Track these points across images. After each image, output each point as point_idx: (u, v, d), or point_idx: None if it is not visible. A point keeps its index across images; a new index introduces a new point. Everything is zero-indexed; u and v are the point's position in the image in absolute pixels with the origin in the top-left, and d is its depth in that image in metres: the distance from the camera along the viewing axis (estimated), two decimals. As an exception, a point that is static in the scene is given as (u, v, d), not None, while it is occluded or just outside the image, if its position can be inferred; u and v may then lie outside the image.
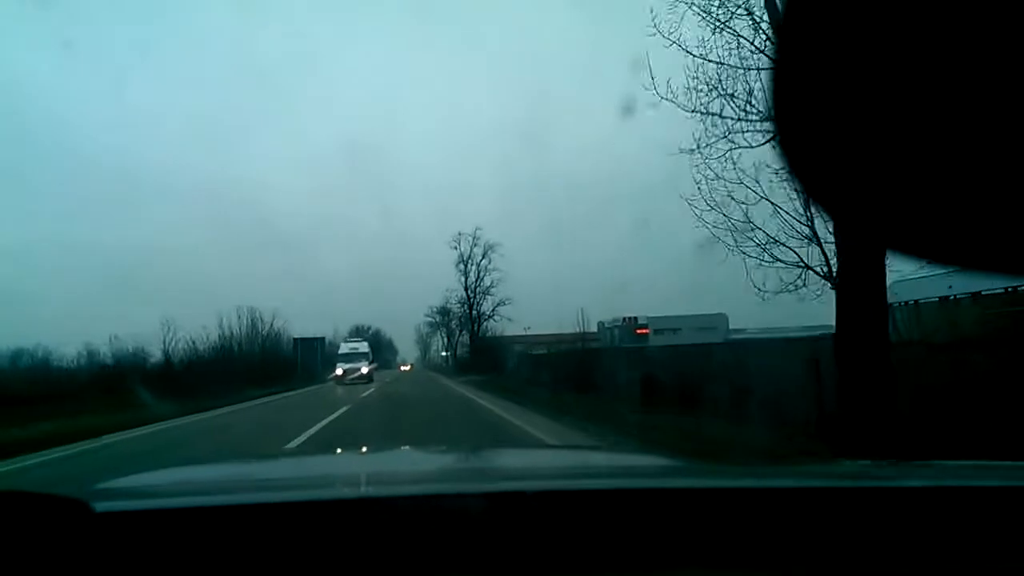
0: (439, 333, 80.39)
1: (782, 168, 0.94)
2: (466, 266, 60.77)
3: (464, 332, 67.96)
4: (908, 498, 1.13)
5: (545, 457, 2.68)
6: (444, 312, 73.13)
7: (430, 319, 76.31)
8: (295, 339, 48.97)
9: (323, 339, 51.00)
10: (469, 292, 61.31)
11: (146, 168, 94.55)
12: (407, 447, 3.77)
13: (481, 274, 60.45)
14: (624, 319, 73.64)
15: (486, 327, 60.73)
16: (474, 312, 61.63)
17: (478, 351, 56.48)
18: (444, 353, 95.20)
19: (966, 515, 1.04)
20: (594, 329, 53.94)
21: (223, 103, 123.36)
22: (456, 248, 60.44)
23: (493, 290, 59.82)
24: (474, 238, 59.62)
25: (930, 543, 1.01)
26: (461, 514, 1.03)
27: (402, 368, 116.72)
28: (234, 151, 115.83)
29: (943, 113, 0.54)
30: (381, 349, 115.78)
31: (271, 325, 58.00)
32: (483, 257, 59.79)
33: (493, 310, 59.64)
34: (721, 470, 1.96)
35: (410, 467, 2.20)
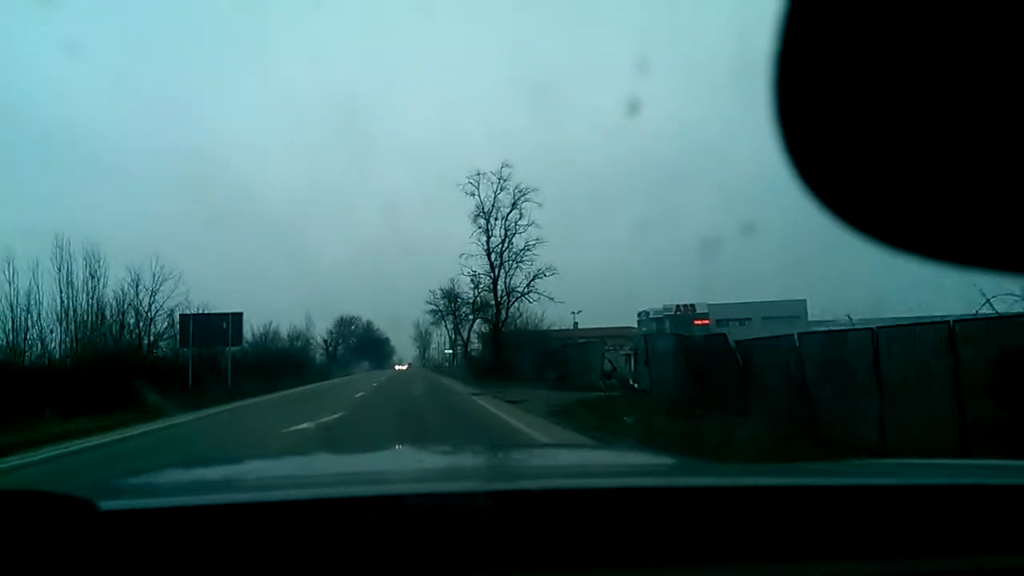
0: (443, 325, 64.17)
1: (788, 170, 0.59)
2: (487, 220, 42.89)
3: (483, 320, 51.91)
4: (911, 496, 1.16)
5: (549, 456, 2.70)
6: (451, 297, 57.21)
7: (433, 307, 60.21)
8: (182, 315, 28.05)
9: (239, 315, 29.45)
10: (492, 258, 43.54)
11: (104, 144, 79.31)
12: (414, 446, 4.03)
13: (510, 232, 42.85)
14: (677, 307, 59.18)
15: (516, 311, 43.63)
16: (500, 287, 43.96)
17: (509, 346, 39.07)
18: (449, 351, 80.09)
19: (970, 512, 1.07)
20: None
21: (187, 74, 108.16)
22: (473, 194, 42.68)
23: (529, 255, 42.42)
24: (500, 179, 41.81)
25: (932, 540, 1.03)
26: (466, 513, 1.05)
27: (398, 367, 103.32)
28: (208, 123, 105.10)
29: (955, 112, 0.55)
30: (373, 346, 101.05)
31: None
32: (512, 207, 42.14)
33: (528, 285, 42.35)
34: (724, 468, 2.02)
35: (416, 466, 2.22)
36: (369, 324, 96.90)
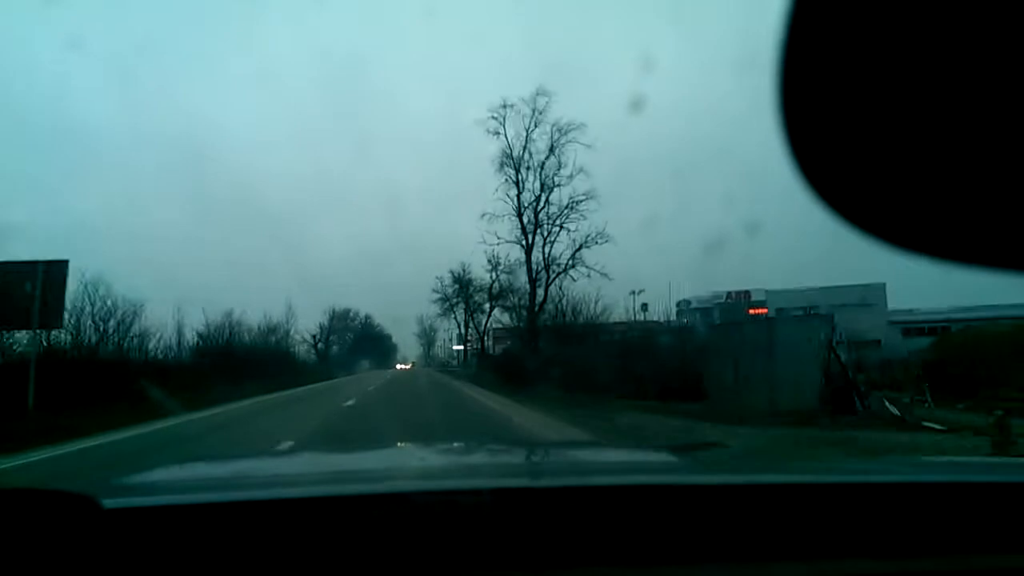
0: (452, 316, 54.96)
1: (791, 167, 0.60)
2: (516, 169, 31.48)
3: (503, 308, 42.28)
4: (914, 494, 1.16)
5: (553, 454, 2.61)
6: (462, 282, 47.81)
7: (440, 295, 50.98)
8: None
9: (59, 267, 14.26)
10: (524, 219, 31.85)
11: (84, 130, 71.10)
12: (417, 443, 4.00)
13: (547, 184, 31.26)
14: (729, 295, 50.16)
15: (559, 296, 31.04)
16: (534, 261, 32.03)
17: (553, 340, 28.36)
18: (457, 347, 71.07)
19: (972, 510, 1.06)
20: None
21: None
22: (498, 133, 31.25)
23: (575, 216, 30.76)
24: (534, 111, 30.39)
25: (935, 538, 1.03)
26: (471, 510, 1.04)
27: (399, 367, 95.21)
28: (189, 102, 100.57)
29: (960, 111, 0.55)
30: (373, 343, 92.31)
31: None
32: (551, 151, 30.62)
33: (574, 255, 30.63)
34: (723, 467, 1.98)
35: (421, 463, 2.21)
36: (368, 319, 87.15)
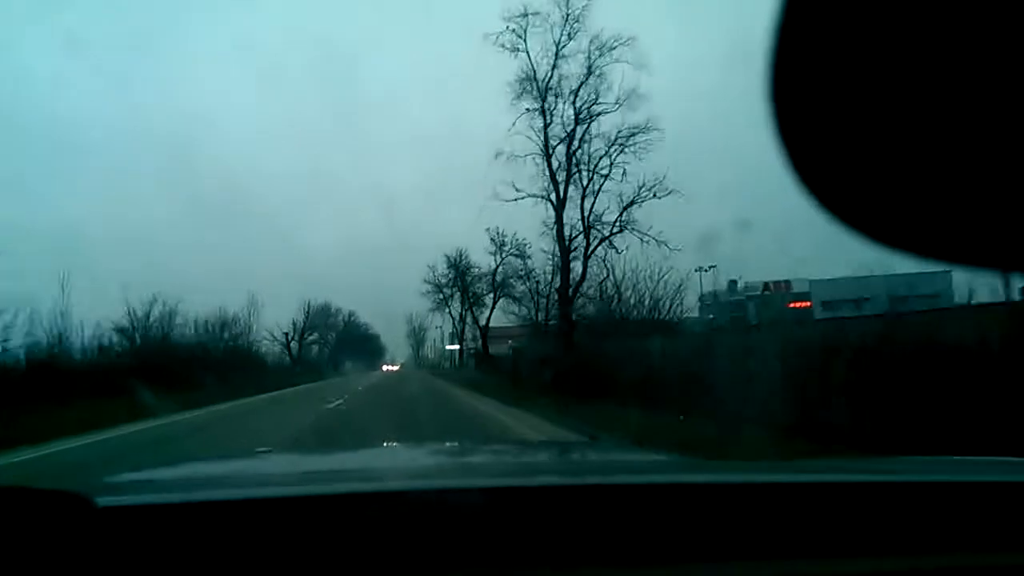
0: (447, 310, 47.67)
1: (783, 163, 0.60)
2: (543, 96, 22.23)
3: (509, 299, 35.70)
4: (914, 493, 1.15)
5: (545, 453, 2.68)
6: (459, 268, 41.30)
7: (431, 285, 43.95)
8: None
9: None
10: (553, 164, 22.41)
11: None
12: (410, 443, 4.18)
13: (583, 118, 22.04)
14: (765, 286, 43.43)
15: (604, 272, 21.86)
16: (567, 224, 22.56)
17: (598, 336, 19.66)
18: (451, 347, 63.59)
19: (974, 509, 1.07)
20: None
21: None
22: (517, 50, 21.98)
23: (623, 160, 21.62)
24: (567, 16, 21.34)
25: (935, 537, 1.03)
26: (463, 509, 1.04)
27: (387, 368, 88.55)
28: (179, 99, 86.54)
29: (950, 107, 0.55)
30: (358, 343, 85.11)
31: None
32: (588, 73, 21.65)
33: (622, 215, 21.53)
34: (721, 465, 1.97)
35: (413, 463, 2.22)
36: (352, 316, 79.14)
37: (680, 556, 0.99)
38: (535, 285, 29.55)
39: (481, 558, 0.97)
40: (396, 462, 2.19)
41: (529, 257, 32.86)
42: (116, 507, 1.01)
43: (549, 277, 26.20)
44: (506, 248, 37.11)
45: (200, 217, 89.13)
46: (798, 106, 0.57)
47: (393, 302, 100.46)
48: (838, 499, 1.11)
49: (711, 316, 37.19)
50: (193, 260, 69.85)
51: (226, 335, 39.32)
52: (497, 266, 37.62)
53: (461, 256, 41.24)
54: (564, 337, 21.38)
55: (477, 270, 39.88)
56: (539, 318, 29.36)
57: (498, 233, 36.46)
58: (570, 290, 22.11)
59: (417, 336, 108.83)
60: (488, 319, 40.47)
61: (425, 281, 44.22)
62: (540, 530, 1.00)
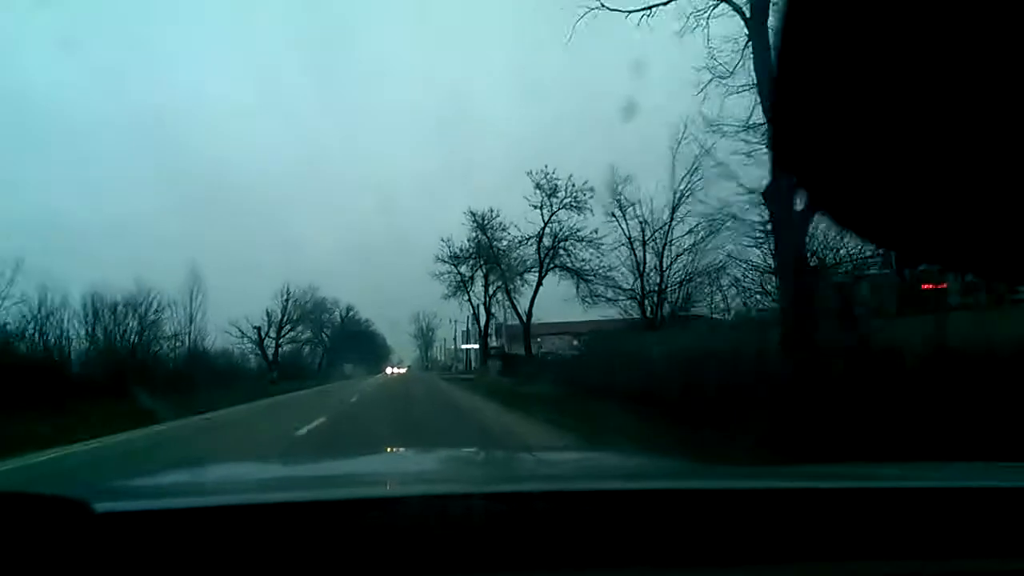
0: (466, 295, 37.39)
1: (780, 167, 0.56)
2: None
3: (567, 270, 27.79)
4: (915, 499, 1.16)
5: (546, 459, 2.64)
6: (486, 231, 31.73)
7: (449, 255, 34.57)
8: None
9: None
10: None
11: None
12: (413, 449, 4.08)
13: None
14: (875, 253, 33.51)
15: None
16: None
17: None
18: (466, 346, 53.55)
19: (975, 514, 1.07)
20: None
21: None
22: None
23: None
24: None
25: (935, 543, 1.03)
26: (464, 515, 1.04)
27: (391, 371, 79.65)
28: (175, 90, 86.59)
29: (949, 114, 0.54)
30: (359, 342, 75.77)
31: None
32: None
33: None
34: (724, 471, 1.96)
35: (415, 468, 2.20)
36: (351, 311, 68.27)
37: (681, 561, 1.00)
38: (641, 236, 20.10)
39: (482, 563, 0.97)
40: (397, 467, 2.18)
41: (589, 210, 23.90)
42: (114, 513, 1.01)
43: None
44: (559, 196, 27.80)
45: (187, 208, 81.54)
46: (797, 112, 0.56)
47: (399, 303, 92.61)
48: (840, 505, 1.11)
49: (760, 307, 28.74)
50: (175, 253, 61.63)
51: (135, 325, 27.95)
52: (546, 223, 28.53)
53: (492, 215, 31.48)
54: (803, 324, 10.32)
55: (513, 232, 30.58)
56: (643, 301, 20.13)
57: (546, 176, 27.21)
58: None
59: (425, 336, 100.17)
60: (531, 304, 30.43)
61: (438, 259, 35.10)
62: (541, 535, 1.01)
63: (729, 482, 1.38)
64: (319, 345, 64.63)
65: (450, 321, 62.86)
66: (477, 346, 51.21)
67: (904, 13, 0.49)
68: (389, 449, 3.93)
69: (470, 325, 57.83)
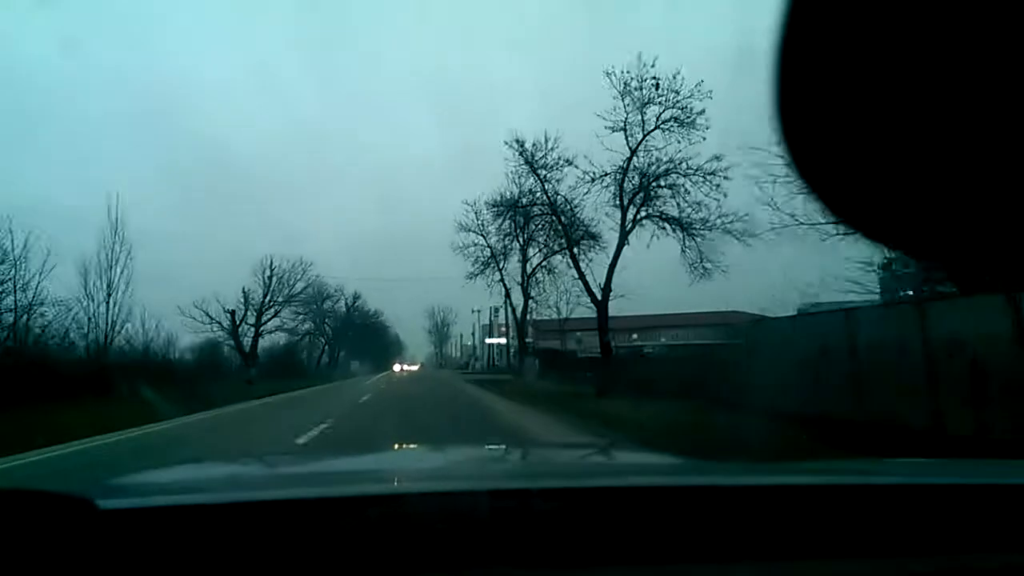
0: (498, 271, 27.90)
1: (788, 167, 0.82)
2: None
3: (663, 221, 19.20)
4: (916, 495, 1.16)
5: (551, 455, 2.64)
6: (536, 168, 21.62)
7: (473, 230, 26.33)
8: None
9: None
10: None
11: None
12: (419, 445, 4.23)
13: None
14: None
15: None
16: None
17: None
18: (492, 340, 44.35)
19: (976, 511, 1.07)
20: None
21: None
22: None
23: None
24: None
25: (937, 538, 1.03)
26: (469, 512, 1.05)
27: (400, 368, 71.31)
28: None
29: (955, 111, 0.54)
30: (367, 336, 66.99)
31: None
32: None
33: None
34: (726, 467, 1.96)
35: (420, 464, 2.20)
36: (357, 300, 58.79)
37: (686, 557, 1.00)
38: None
39: (486, 559, 0.97)
40: (402, 465, 2.17)
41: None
42: (118, 510, 1.01)
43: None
44: (657, 106, 19.24)
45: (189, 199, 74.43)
46: (802, 107, 0.56)
47: (412, 299, 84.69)
48: (842, 501, 1.12)
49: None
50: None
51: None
52: (634, 150, 19.43)
53: (546, 146, 21.46)
54: None
55: (579, 170, 20.85)
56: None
57: (637, 77, 19.09)
58: None
59: (440, 331, 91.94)
60: (612, 269, 20.41)
61: (461, 228, 26.33)
62: (547, 531, 1.01)
63: (735, 478, 1.38)
64: (320, 337, 55.93)
65: (474, 311, 54.10)
66: (502, 340, 42.40)
67: (904, 16, 0.50)
68: (396, 446, 3.88)
69: (492, 317, 49.04)
